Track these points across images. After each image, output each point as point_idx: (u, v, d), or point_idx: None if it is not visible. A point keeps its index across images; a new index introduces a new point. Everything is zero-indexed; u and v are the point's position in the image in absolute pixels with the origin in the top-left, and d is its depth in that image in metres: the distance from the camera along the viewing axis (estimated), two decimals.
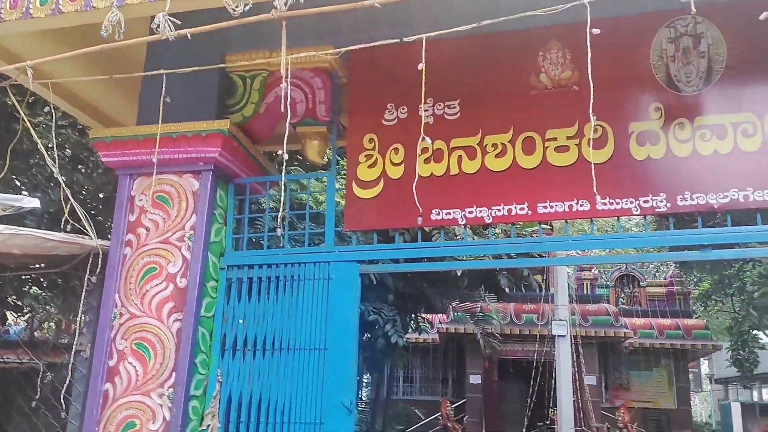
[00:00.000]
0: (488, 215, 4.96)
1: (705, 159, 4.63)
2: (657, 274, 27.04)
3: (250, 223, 5.79)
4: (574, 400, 18.28)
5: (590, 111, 4.22)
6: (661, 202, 4.65)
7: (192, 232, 5.06)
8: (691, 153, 4.66)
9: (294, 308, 5.05)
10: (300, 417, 4.81)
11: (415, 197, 4.13)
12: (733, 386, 31.97)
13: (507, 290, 10.64)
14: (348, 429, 4.78)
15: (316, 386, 4.85)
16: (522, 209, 4.90)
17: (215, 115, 5.28)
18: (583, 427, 16.05)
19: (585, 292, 21.99)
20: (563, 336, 14.06)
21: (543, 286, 19.86)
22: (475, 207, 4.99)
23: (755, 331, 24.34)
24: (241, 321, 5.05)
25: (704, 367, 35.93)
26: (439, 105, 5.22)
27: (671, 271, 24.97)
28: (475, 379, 20.01)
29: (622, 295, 23.73)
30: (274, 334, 5.02)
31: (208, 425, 4.82)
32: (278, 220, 4.43)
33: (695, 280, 26.24)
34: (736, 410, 13.41)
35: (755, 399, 29.59)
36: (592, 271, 22.64)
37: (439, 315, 20.73)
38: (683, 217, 4.93)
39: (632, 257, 20.44)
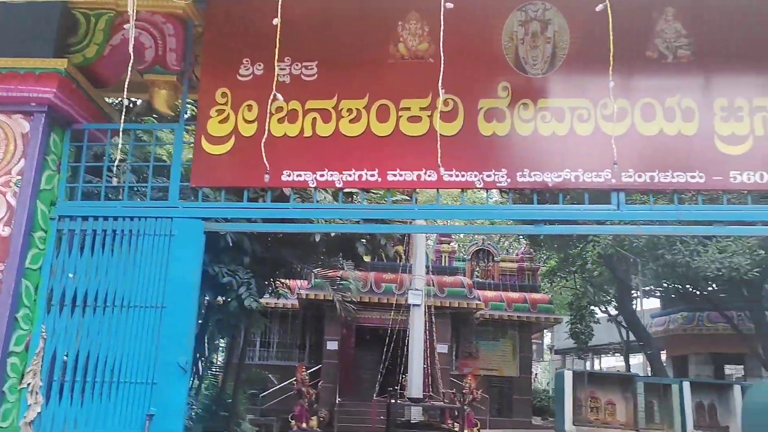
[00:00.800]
0: (339, 180, 4.98)
1: (544, 139, 4.89)
2: (510, 251, 28.53)
3: (91, 173, 5.45)
4: (425, 367, 19.05)
5: (439, 84, 4.33)
6: (503, 177, 4.87)
7: (19, 177, 4.68)
8: (533, 132, 4.90)
9: (131, 264, 4.83)
10: (131, 376, 4.64)
11: (263, 155, 4.05)
12: (570, 356, 34.66)
13: (364, 258, 10.78)
14: (181, 389, 4.67)
15: (151, 345, 4.69)
16: (372, 176, 4.95)
17: (53, 53, 4.87)
18: (431, 393, 16.77)
19: (443, 265, 22.82)
20: (418, 305, 14.56)
21: (404, 257, 20.43)
22: (326, 170, 4.98)
23: (592, 307, 26.45)
24: (71, 275, 4.76)
25: (547, 338, 38.60)
26: (297, 65, 5.13)
27: (523, 248, 26.46)
28: (332, 345, 20.28)
29: (477, 269, 24.86)
30: (108, 290, 4.78)
31: (29, 383, 4.53)
32: (117, 170, 4.19)
33: (544, 257, 28.01)
34: (568, 378, 14.50)
35: (588, 368, 32.20)
36: (451, 244, 23.53)
37: (300, 281, 20.78)
38: (545, 192, 5.19)
39: (479, 228, 21.19)
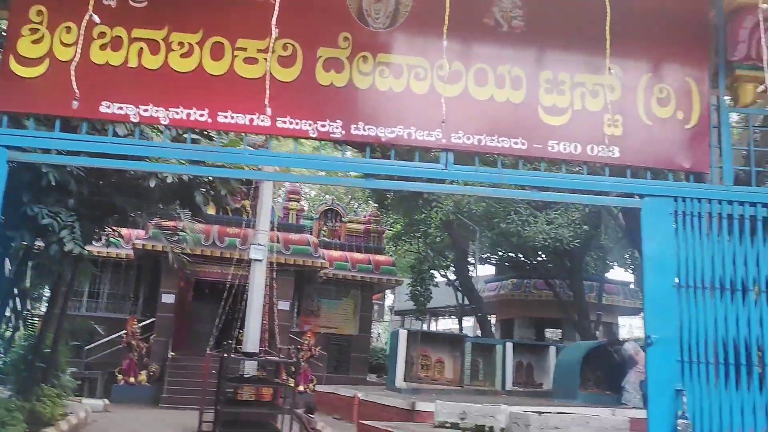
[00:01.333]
0: (165, 116, 4.69)
1: (381, 94, 4.90)
2: (359, 212, 28.93)
3: None
4: (264, 323, 18.92)
5: (273, 21, 4.17)
6: (337, 128, 4.82)
7: None
8: (370, 86, 4.89)
9: None
10: None
11: (73, 80, 3.70)
12: (409, 317, 36.04)
13: (203, 207, 10.38)
14: None
15: None
16: (202, 116, 4.72)
17: None
18: (269, 348, 16.73)
19: (290, 222, 22.68)
20: (260, 260, 14.34)
21: (250, 213, 20.04)
22: (151, 106, 4.68)
23: (432, 271, 27.58)
24: None
25: (388, 300, 39.83)
26: None
27: (371, 211, 26.92)
28: (168, 299, 19.59)
29: (325, 229, 24.97)
30: None
31: None
32: None
33: (391, 221, 28.70)
34: (402, 336, 15.04)
35: (424, 329, 33.66)
36: (300, 203, 23.41)
37: (138, 231, 19.79)
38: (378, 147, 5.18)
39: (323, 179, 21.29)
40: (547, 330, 25.58)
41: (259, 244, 14.22)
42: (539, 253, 21.14)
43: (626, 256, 25.12)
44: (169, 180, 9.09)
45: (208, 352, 14.30)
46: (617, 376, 13.71)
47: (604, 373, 14.58)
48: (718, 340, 3.71)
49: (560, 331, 25.12)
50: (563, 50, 5.06)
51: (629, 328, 32.57)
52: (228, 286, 17.45)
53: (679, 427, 3.46)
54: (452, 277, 29.74)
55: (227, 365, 11.83)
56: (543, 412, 7.86)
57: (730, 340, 3.71)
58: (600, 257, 23.35)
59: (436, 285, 29.01)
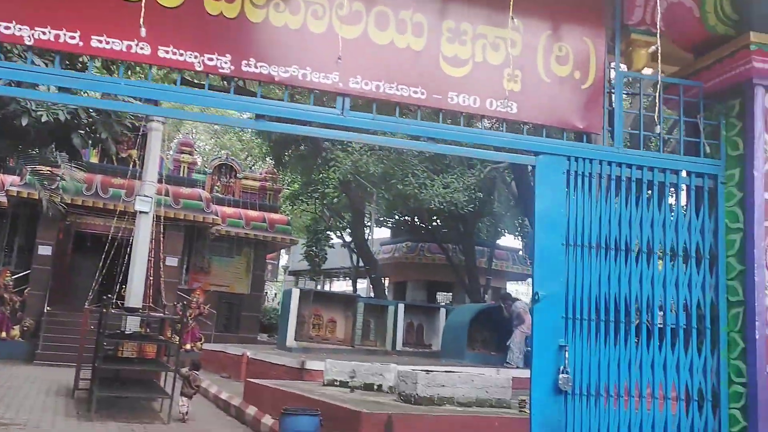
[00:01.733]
0: (30, 36, 4.17)
1: (275, 30, 4.57)
2: (254, 169, 28.21)
3: None
4: (150, 279, 18.17)
5: None
6: (226, 63, 4.47)
7: None
8: (263, 20, 4.55)
9: None
10: None
11: None
12: (304, 278, 35.86)
13: (81, 151, 9.64)
14: None
15: None
16: (73, 38, 4.22)
17: None
18: (153, 305, 16.10)
19: (182, 175, 21.78)
20: (146, 212, 13.65)
21: (138, 163, 19.02)
22: (13, 23, 4.14)
23: (328, 232, 27.42)
24: None
25: (283, 260, 39.42)
26: None
27: (267, 168, 26.33)
28: (44, 250, 18.40)
29: (219, 184, 24.19)
30: None
31: None
32: None
33: (288, 180, 28.21)
34: (294, 295, 14.82)
35: (317, 288, 33.64)
36: (193, 155, 22.49)
37: (13, 177, 18.42)
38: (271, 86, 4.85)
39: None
40: (438, 293, 26.14)
41: (146, 196, 13.52)
42: (434, 217, 21.41)
43: (517, 223, 25.97)
44: (44, 119, 8.34)
45: (86, 307, 13.52)
46: (504, 338, 14.16)
47: (490, 335, 15.01)
48: (600, 298, 3.73)
49: (451, 294, 25.73)
50: (467, 0, 4.90)
51: (516, 293, 33.90)
52: (111, 239, 16.59)
53: (560, 381, 3.45)
54: (348, 238, 29.75)
55: (107, 321, 11.22)
56: (430, 371, 7.92)
57: (611, 298, 3.75)
58: (492, 224, 23.98)
59: (332, 246, 28.93)
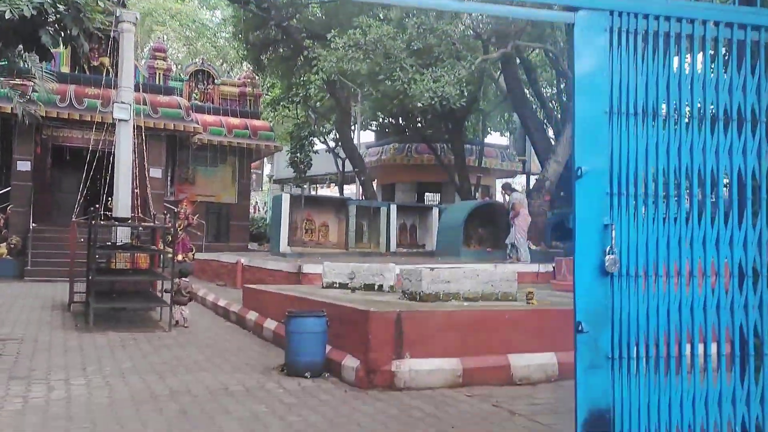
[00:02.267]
0: None
1: None
2: (232, 74, 27.21)
3: None
4: (136, 192, 17.75)
5: None
6: None
7: None
8: None
9: None
10: None
11: None
12: (289, 186, 35.50)
13: (50, 49, 8.92)
14: None
15: None
16: None
17: None
18: (141, 215, 15.74)
19: (158, 83, 20.91)
20: (125, 120, 13.04)
21: (111, 71, 18.14)
22: None
23: (312, 137, 26.84)
24: None
25: (267, 168, 38.94)
26: None
27: (246, 73, 25.39)
28: (23, 166, 17.84)
29: (196, 91, 23.37)
30: None
31: None
32: None
33: (268, 85, 27.30)
34: (285, 200, 14.52)
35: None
36: (167, 61, 21.52)
37: None
38: None
39: None
40: (426, 194, 25.99)
41: (123, 103, 12.86)
42: (422, 115, 20.88)
43: (504, 120, 25.57)
44: (8, 16, 7.65)
45: (74, 219, 13.14)
46: (498, 234, 14.09)
47: (486, 232, 14.94)
48: (647, 170, 3.39)
49: (440, 194, 25.59)
50: None
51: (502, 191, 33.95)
52: (91, 151, 16.00)
53: (606, 263, 3.19)
54: (332, 144, 29.22)
55: (97, 233, 10.89)
56: (434, 268, 7.74)
57: (660, 170, 3.41)
58: (480, 121, 23.55)
59: (316, 152, 28.45)
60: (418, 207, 18.31)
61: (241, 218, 23.61)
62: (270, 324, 9.20)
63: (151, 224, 12.52)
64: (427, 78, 12.80)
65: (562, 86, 20.02)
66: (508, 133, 27.91)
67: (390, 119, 23.96)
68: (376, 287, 9.68)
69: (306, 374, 6.71)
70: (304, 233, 15.19)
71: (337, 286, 10.01)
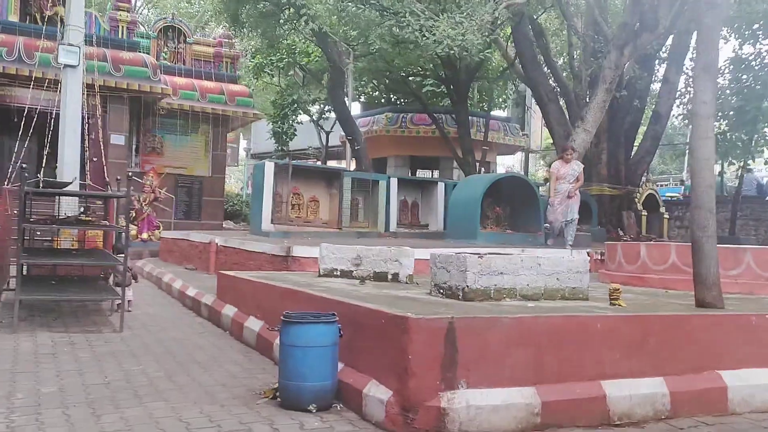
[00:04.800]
0: None
1: None
2: (207, 33, 24.55)
3: None
4: (94, 160, 15.36)
5: None
6: None
7: None
8: None
9: None
10: None
11: None
12: (270, 160, 33.11)
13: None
14: None
15: None
16: None
17: None
18: (90, 182, 13.39)
19: (121, 37, 18.35)
20: (73, 66, 10.66)
21: (65, 20, 15.66)
22: None
23: (297, 105, 24.46)
24: None
25: (243, 143, 36.40)
26: None
27: (222, 32, 22.88)
28: None
29: (166, 50, 20.85)
30: None
31: None
32: None
33: (251, 51, 24.77)
34: (269, 170, 12.28)
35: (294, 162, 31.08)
36: (131, 13, 18.93)
37: None
38: None
39: None
40: (420, 170, 23.74)
41: (71, 45, 10.45)
42: (422, 80, 18.65)
43: (506, 90, 23.41)
44: None
45: (4, 187, 10.74)
46: (519, 214, 12.02)
47: (504, 211, 12.84)
48: None
49: (438, 171, 23.33)
50: None
51: (504, 168, 31.81)
52: (42, 113, 13.60)
53: None
54: (316, 116, 26.90)
55: (30, 204, 8.60)
56: (481, 254, 5.60)
57: None
58: (484, 90, 21.31)
59: (300, 123, 26.14)
60: (422, 181, 16.07)
61: (215, 193, 21.24)
62: (253, 324, 7.04)
63: (104, 193, 10.09)
64: (442, 24, 10.57)
65: (576, 52, 17.91)
66: (508, 106, 25.79)
67: (385, 83, 21.58)
68: (389, 276, 7.59)
69: (310, 407, 4.58)
70: (290, 209, 12.95)
71: (339, 274, 7.90)
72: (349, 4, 11.55)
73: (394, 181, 13.72)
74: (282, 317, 4.76)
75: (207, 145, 21.02)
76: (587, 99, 14.36)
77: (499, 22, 11.05)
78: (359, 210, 13.72)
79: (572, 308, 5.29)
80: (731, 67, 17.41)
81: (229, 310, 7.92)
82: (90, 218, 9.52)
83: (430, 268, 6.11)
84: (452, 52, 10.84)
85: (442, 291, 5.81)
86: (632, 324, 4.97)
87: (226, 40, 21.61)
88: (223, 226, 21.65)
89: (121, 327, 7.50)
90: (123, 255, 7.85)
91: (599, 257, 10.72)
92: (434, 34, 10.51)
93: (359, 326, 4.89)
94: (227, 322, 7.81)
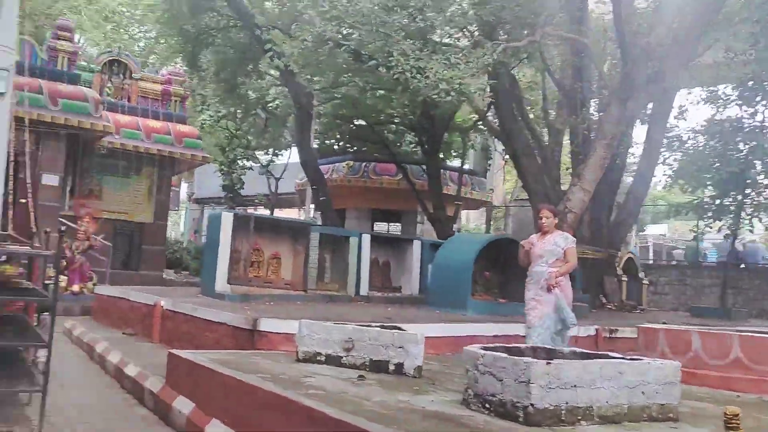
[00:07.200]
0: None
1: None
2: (155, 67, 22.77)
3: None
4: (21, 201, 13.36)
5: None
6: None
7: None
8: None
9: None
10: None
11: None
12: (211, 206, 31.16)
13: None
14: None
15: None
16: None
17: None
18: (17, 234, 11.41)
19: (60, 68, 16.52)
20: (1, 94, 8.86)
21: None
22: None
23: (248, 149, 22.89)
24: None
25: (184, 185, 34.31)
26: None
27: (173, 68, 21.25)
28: None
29: (109, 85, 19.07)
30: None
31: None
32: None
33: (213, 99, 23.10)
34: (227, 222, 10.64)
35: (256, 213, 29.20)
36: (74, 42, 17.16)
37: None
38: None
39: None
40: (380, 223, 22.29)
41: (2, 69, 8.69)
42: (394, 128, 17.44)
43: (471, 142, 22.46)
44: None
45: None
46: (510, 279, 10.72)
47: (494, 276, 11.51)
48: None
49: (399, 225, 21.92)
50: None
51: (466, 222, 30.65)
52: None
53: None
54: (264, 162, 25.34)
55: None
56: (550, 360, 4.19)
57: None
58: (453, 143, 20.25)
59: (250, 168, 24.54)
60: (396, 238, 14.60)
61: (157, 241, 19.28)
62: (218, 429, 5.36)
63: (27, 251, 8.12)
64: (435, 65, 9.36)
65: (551, 111, 17.13)
66: (468, 160, 24.85)
67: (349, 129, 20.24)
68: (391, 367, 6.09)
69: None
70: (249, 267, 11.29)
71: (324, 359, 6.35)
72: (329, 42, 10.27)
73: (366, 238, 12.23)
74: None
75: (150, 188, 19.16)
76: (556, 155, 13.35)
77: (498, 63, 9.94)
78: (326, 269, 12.16)
79: None
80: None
81: (183, 405, 6.19)
82: (10, 272, 7.61)
83: (467, 370, 4.64)
84: (449, 98, 9.63)
85: (489, 407, 4.35)
86: None
87: (176, 77, 19.98)
88: (164, 277, 19.65)
89: (40, 426, 5.67)
90: (47, 345, 6.00)
91: (607, 334, 9.48)
92: (427, 77, 9.30)
93: None
94: (181, 422, 6.07)
